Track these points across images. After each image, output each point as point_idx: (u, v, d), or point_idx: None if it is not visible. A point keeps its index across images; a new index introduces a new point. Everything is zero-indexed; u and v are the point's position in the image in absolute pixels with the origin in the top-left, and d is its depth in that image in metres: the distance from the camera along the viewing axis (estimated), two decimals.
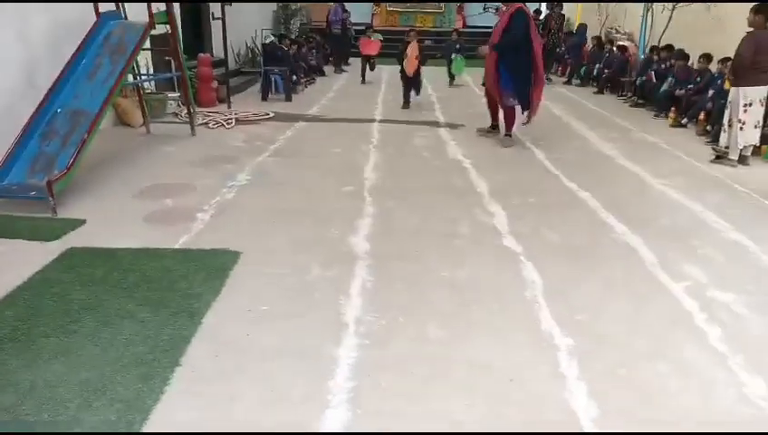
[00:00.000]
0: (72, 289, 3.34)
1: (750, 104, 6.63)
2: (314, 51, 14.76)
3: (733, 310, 3.35)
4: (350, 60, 16.25)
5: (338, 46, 15.88)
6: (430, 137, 7.84)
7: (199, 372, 2.67)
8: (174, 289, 3.39)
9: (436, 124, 8.67)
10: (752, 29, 6.56)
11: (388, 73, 13.62)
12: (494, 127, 7.78)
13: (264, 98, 10.45)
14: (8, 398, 2.42)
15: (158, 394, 2.49)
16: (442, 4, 21.41)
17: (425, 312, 3.25)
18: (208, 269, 3.66)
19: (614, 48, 13.07)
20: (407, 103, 9.99)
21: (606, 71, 12.54)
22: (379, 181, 5.70)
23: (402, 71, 9.91)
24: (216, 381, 2.61)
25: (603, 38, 14.41)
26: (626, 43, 13.09)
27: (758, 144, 6.95)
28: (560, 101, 11.21)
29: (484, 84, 7.88)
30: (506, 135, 7.39)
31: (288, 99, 10.43)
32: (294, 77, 11.24)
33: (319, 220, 4.58)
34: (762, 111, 6.72)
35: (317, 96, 10.98)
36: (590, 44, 14.35)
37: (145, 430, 2.29)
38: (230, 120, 8.23)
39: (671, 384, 2.70)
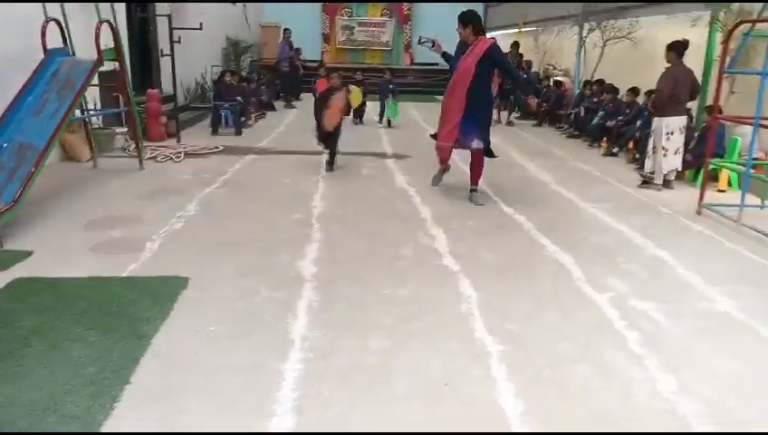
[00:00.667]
0: (20, 317, 3.39)
1: (671, 133, 7.18)
2: (264, 87, 15.01)
3: (650, 317, 3.67)
4: (302, 96, 16.59)
5: (287, 82, 16.19)
6: (377, 167, 8.13)
7: (148, 390, 2.76)
8: (123, 314, 3.47)
9: (383, 156, 8.98)
10: (669, 65, 7.16)
11: None
12: (445, 169, 6.91)
13: (215, 132, 10.57)
14: None
15: (108, 410, 2.58)
16: (390, 42, 22.05)
17: (367, 327, 3.43)
18: (156, 295, 3.76)
19: (550, 84, 13.80)
20: (330, 164, 7.79)
21: (544, 105, 13.21)
22: (326, 209, 5.91)
23: (318, 124, 7.60)
24: (165, 397, 2.71)
25: (541, 74, 15.19)
26: (562, 79, 13.84)
27: (680, 169, 7.50)
28: (501, 133, 11.73)
29: (434, 136, 6.65)
30: (474, 190, 6.37)
31: (238, 133, 10.58)
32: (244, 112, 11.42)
33: (267, 247, 4.73)
34: (682, 138, 7.28)
35: (267, 130, 11.17)
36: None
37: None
38: (179, 154, 8.31)
39: (593, 384, 2.95)
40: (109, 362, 2.95)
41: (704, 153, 6.55)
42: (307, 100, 17.19)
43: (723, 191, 7.14)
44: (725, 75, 6.44)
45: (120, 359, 2.99)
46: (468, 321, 3.53)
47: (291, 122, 12.58)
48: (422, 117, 13.92)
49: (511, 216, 5.85)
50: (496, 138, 10.76)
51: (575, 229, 5.48)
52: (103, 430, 2.45)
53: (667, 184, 7.29)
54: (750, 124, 5.84)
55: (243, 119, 11.19)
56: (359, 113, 11.03)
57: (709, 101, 7.67)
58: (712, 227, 5.66)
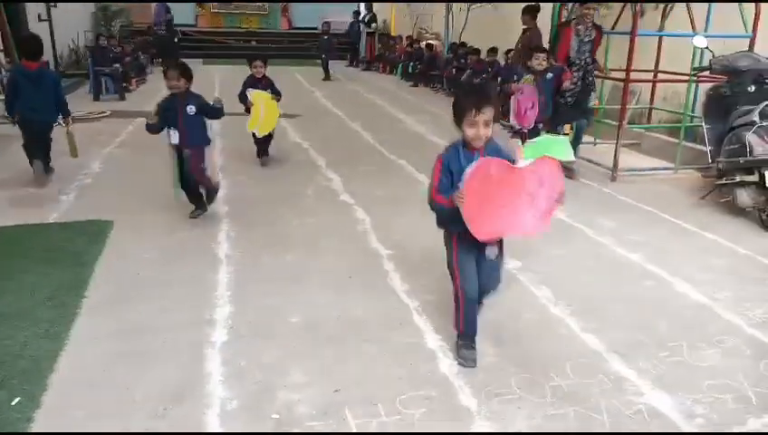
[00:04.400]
0: None
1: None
2: (139, 52, 14.73)
3: None
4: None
5: (164, 47, 15.95)
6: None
7: (103, 301, 3.32)
8: (61, 250, 3.94)
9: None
10: (525, 26, 8.28)
11: (219, 73, 14.11)
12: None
13: (97, 98, 10.50)
14: None
15: (73, 316, 3.12)
16: (266, 5, 22.05)
17: (282, 245, 4.16)
18: (87, 233, 4.23)
19: (423, 46, 14.85)
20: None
21: (419, 66, 14.25)
22: (227, 163, 6.44)
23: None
24: (119, 304, 3.28)
25: (414, 37, 16.21)
26: (433, 42, 14.93)
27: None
28: (383, 94, 12.63)
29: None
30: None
31: (122, 98, 10.59)
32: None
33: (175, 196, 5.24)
34: None
35: (152, 94, 11.17)
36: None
37: (71, 334, 2.94)
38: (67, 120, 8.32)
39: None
40: (62, 284, 3.46)
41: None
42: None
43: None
44: None
45: (70, 281, 3.50)
46: (364, 235, 4.37)
47: None
48: (305, 79, 14.48)
49: (394, 160, 6.73)
50: (379, 99, 11.67)
51: None
52: (72, 329, 3.01)
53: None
54: None
55: (124, 84, 11.15)
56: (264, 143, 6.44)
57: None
58: None
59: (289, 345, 2.93)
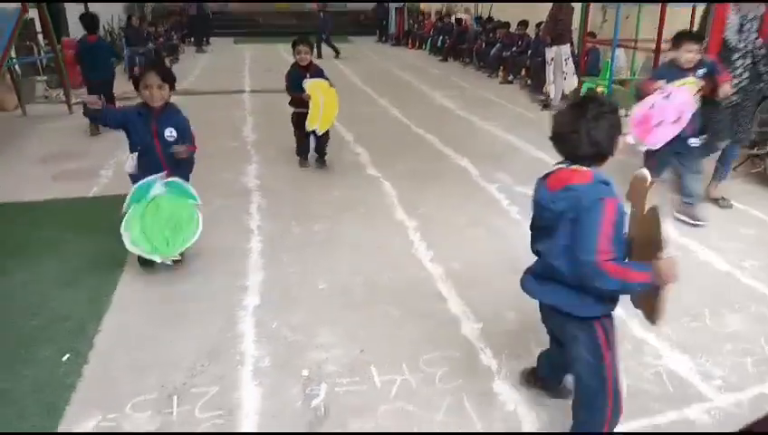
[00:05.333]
0: (13, 231, 3.98)
1: (568, 58, 8.25)
2: (172, 32, 14.99)
3: (527, 196, 4.71)
4: (211, 39, 16.66)
5: (195, 26, 16.18)
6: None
7: (138, 265, 3.50)
8: (101, 222, 4.10)
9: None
10: None
11: (249, 51, 14.25)
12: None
13: (131, 77, 10.72)
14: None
15: (114, 283, 3.31)
16: None
17: (311, 217, 4.28)
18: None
19: (453, 21, 14.70)
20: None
21: (448, 41, 14.14)
22: (258, 138, 6.59)
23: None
24: (157, 272, 3.45)
25: (443, 12, 16.06)
26: (463, 16, 14.77)
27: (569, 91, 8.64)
28: (410, 69, 12.60)
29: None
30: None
31: None
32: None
33: (213, 168, 5.41)
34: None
35: (184, 73, 11.40)
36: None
37: (113, 298, 3.12)
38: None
39: (480, 239, 3.96)
40: (103, 253, 3.64)
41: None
42: (218, 44, 17.31)
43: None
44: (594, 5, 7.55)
45: (110, 251, 3.65)
46: (390, 208, 4.47)
47: (206, 66, 12.81)
48: (331, 54, 14.54)
49: (421, 135, 6.78)
50: (407, 74, 11.66)
51: (473, 142, 6.49)
52: (115, 295, 3.19)
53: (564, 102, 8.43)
54: (609, 45, 7.00)
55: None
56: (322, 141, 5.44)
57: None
58: None
59: (317, 309, 3.06)
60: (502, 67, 11.01)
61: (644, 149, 4.09)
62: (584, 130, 1.80)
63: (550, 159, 5.70)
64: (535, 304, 2.11)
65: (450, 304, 3.12)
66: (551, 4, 8.29)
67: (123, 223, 3.18)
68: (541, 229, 1.92)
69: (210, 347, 2.73)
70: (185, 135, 3.42)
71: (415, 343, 2.74)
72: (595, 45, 8.31)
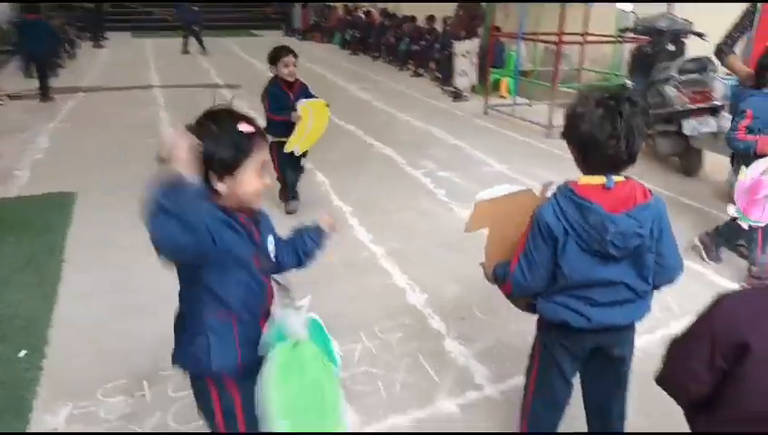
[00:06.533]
0: None
1: (470, 52, 8.69)
2: (66, 26, 14.17)
3: (451, 180, 5.06)
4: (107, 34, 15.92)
5: (91, 20, 15.38)
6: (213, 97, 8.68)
7: (83, 262, 3.45)
8: (31, 221, 4.01)
9: (215, 86, 9.50)
10: None
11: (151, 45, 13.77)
12: None
13: (29, 74, 10.11)
14: None
15: (56, 278, 3.26)
16: None
17: None
18: (53, 205, 4.32)
19: (361, 14, 14.94)
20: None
21: (357, 35, 14.36)
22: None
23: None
24: (100, 265, 3.43)
25: (351, 5, 16.26)
26: (371, 9, 15.04)
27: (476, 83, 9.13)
28: (321, 63, 12.72)
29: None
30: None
31: (54, 74, 10.24)
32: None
33: (135, 165, 5.31)
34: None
35: (85, 69, 10.93)
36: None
37: (59, 293, 3.09)
38: (2, 98, 8.09)
39: (413, 220, 4.22)
40: (37, 251, 3.56)
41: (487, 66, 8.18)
42: (114, 39, 16.56)
43: (504, 97, 8.92)
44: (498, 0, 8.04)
45: (45, 248, 3.61)
46: (326, 196, 4.64)
47: (107, 61, 12.28)
48: (241, 49, 14.39)
49: (343, 126, 6.96)
50: (320, 68, 11.77)
51: (394, 132, 6.77)
52: (60, 288, 3.16)
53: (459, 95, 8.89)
54: (515, 38, 7.50)
55: (55, 59, 10.78)
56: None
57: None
58: (494, 122, 7.33)
59: None
60: (411, 61, 11.38)
61: (746, 225, 3.07)
62: (624, 134, 1.55)
63: (466, 145, 6.13)
64: (474, 273, 2.09)
65: (395, 278, 3.36)
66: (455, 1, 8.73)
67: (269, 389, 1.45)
68: (612, 257, 1.60)
69: (171, 332, 2.78)
70: None
71: (370, 314, 2.95)
72: (499, 39, 8.84)
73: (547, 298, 1.72)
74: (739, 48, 4.10)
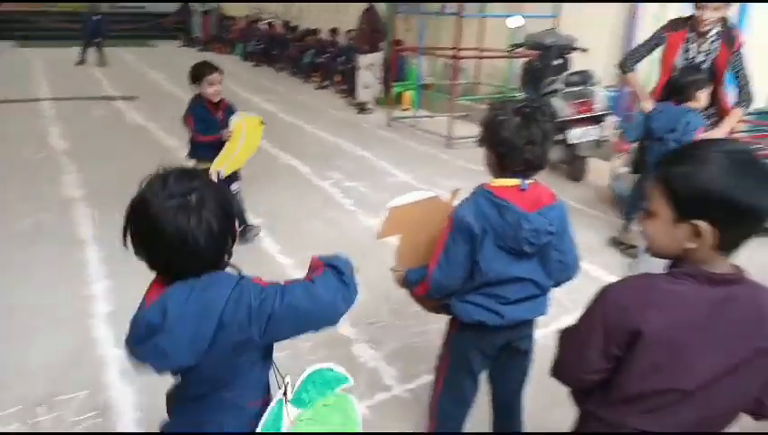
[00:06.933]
0: None
1: (373, 65, 8.84)
2: None
3: (359, 190, 5.15)
4: None
5: None
6: (107, 108, 8.33)
7: None
8: None
9: (110, 98, 9.10)
10: (366, 5, 8.70)
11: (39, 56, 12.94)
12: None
13: None
14: None
15: None
16: None
17: None
18: None
19: (263, 26, 14.83)
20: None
21: (259, 46, 14.24)
22: (70, 146, 6.18)
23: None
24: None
25: (252, 16, 16.10)
26: (273, 21, 14.96)
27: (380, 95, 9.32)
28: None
29: None
30: None
31: None
32: None
33: (24, 181, 5.01)
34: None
35: None
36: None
37: None
38: None
39: (324, 229, 4.27)
40: None
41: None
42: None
43: (407, 109, 9.17)
44: (398, 15, 8.28)
45: None
46: None
47: None
48: (137, 58, 13.86)
49: None
50: (225, 80, 11.55)
51: (300, 143, 6.79)
52: None
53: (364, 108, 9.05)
54: (416, 52, 7.76)
55: None
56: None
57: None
58: (398, 133, 7.53)
59: None
60: (316, 73, 11.44)
61: None
62: (540, 139, 1.67)
63: (371, 155, 6.26)
64: (381, 279, 2.25)
65: None
66: (356, 14, 8.88)
67: None
68: (524, 254, 1.72)
69: (66, 356, 2.67)
70: None
71: None
72: (401, 53, 9.11)
73: (461, 299, 1.81)
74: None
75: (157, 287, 1.26)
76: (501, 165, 1.73)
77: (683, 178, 1.13)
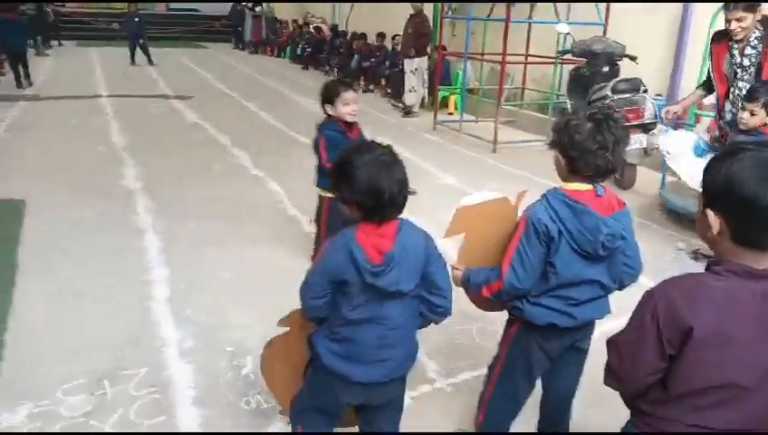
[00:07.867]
0: None
1: (416, 69, 8.94)
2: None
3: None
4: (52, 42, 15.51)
5: (35, 28, 14.92)
6: (164, 106, 8.67)
7: (37, 268, 3.44)
8: None
9: (166, 97, 9.46)
10: (413, 12, 8.82)
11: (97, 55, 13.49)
12: None
13: None
14: None
15: (10, 283, 3.25)
16: None
17: (203, 214, 4.41)
18: (2, 214, 4.24)
19: (311, 30, 15.11)
20: None
21: (308, 49, 14.51)
22: (129, 142, 6.47)
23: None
24: (53, 270, 3.42)
25: (301, 21, 16.43)
26: (321, 26, 15.23)
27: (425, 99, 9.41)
28: (273, 76, 12.79)
29: None
30: None
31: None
32: None
33: (85, 172, 5.28)
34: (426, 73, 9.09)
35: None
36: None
37: (14, 298, 3.08)
38: None
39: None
40: None
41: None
42: (57, 47, 16.10)
43: (451, 113, 9.23)
44: (445, 20, 8.35)
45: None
46: (282, 205, 4.76)
47: (52, 70, 11.99)
48: (191, 60, 14.29)
49: (297, 138, 7.08)
50: (274, 83, 11.85)
51: None
52: (15, 294, 3.14)
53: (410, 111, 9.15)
54: (461, 58, 7.82)
55: None
56: None
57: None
58: (442, 136, 7.60)
59: (225, 294, 3.27)
60: (362, 76, 11.60)
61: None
62: (611, 145, 1.70)
63: (416, 157, 6.34)
64: None
65: None
66: (404, 19, 8.99)
67: None
68: (597, 257, 1.76)
69: (128, 335, 2.84)
70: None
71: None
72: (446, 57, 9.17)
73: (533, 302, 1.82)
74: None
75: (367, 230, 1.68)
76: (571, 169, 1.76)
77: (707, 169, 1.22)
